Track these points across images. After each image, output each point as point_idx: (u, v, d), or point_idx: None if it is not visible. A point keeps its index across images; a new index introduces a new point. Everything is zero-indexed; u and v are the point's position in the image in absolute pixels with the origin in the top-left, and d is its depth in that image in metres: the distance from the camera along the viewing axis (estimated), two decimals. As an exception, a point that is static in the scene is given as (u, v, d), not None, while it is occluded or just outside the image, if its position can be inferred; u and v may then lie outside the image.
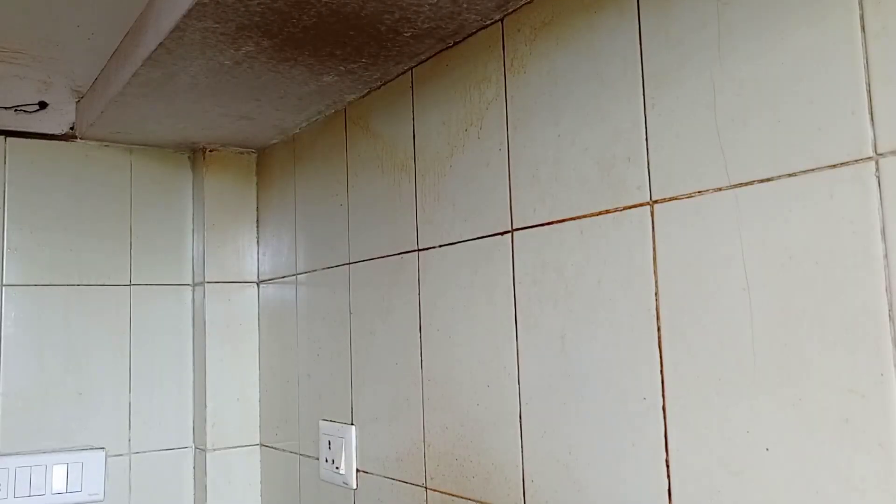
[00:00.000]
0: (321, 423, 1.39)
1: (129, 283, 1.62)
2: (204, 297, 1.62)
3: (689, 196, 0.75)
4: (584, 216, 0.87)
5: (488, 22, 1.02)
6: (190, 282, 1.68)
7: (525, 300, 0.95)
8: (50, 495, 1.48)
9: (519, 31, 0.97)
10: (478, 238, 1.03)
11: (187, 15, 0.96)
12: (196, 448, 1.64)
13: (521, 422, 0.95)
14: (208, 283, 1.62)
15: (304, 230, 1.49)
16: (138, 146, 1.65)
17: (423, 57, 1.14)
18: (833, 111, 0.64)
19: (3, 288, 1.49)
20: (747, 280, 0.69)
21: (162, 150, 1.68)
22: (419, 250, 1.14)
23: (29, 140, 1.54)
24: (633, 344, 0.80)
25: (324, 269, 1.40)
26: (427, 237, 1.13)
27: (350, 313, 1.32)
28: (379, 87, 1.26)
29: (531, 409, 0.93)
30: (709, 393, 0.73)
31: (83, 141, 1.58)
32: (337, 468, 1.32)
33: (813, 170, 0.65)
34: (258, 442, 1.64)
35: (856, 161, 0.62)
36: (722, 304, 0.72)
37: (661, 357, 0.77)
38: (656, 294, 0.78)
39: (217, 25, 0.99)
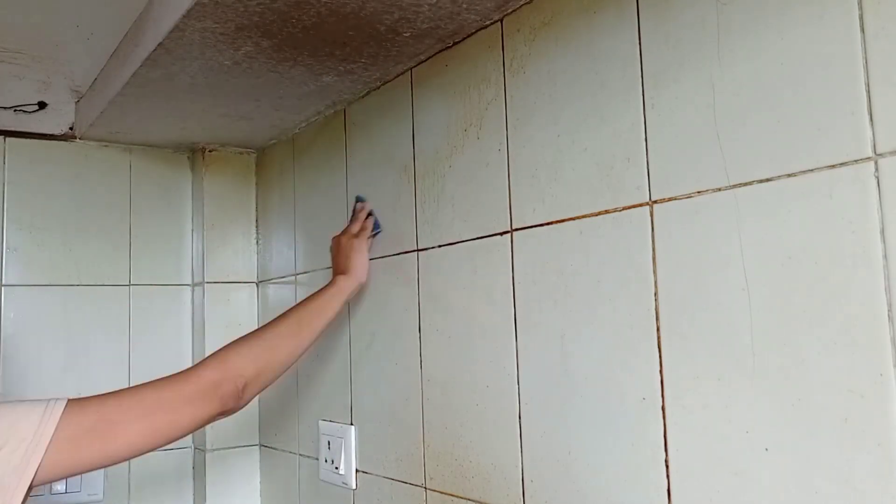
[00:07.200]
0: (321, 423, 1.39)
1: (128, 283, 1.62)
2: (203, 297, 1.62)
3: (689, 196, 0.75)
4: (584, 216, 0.87)
5: (488, 22, 1.02)
6: (189, 282, 1.68)
7: (525, 300, 0.95)
8: (49, 495, 1.48)
9: (518, 31, 0.97)
10: (477, 238, 1.03)
11: (187, 15, 0.96)
12: (196, 448, 1.64)
13: (520, 422, 0.95)
14: (207, 283, 1.62)
15: (304, 230, 1.49)
16: (138, 146, 1.65)
17: (422, 57, 1.14)
18: (832, 111, 0.64)
19: (3, 288, 1.49)
20: (746, 280, 0.69)
21: (161, 150, 1.68)
22: (419, 250, 1.14)
23: (28, 140, 1.54)
24: (633, 344, 0.80)
25: (323, 269, 1.40)
26: (426, 237, 1.13)
27: (350, 313, 1.32)
28: (378, 88, 1.26)
29: (530, 409, 0.93)
30: (708, 393, 0.73)
31: (82, 141, 1.58)
32: (336, 468, 1.32)
33: (812, 170, 0.65)
34: (258, 442, 1.64)
35: (855, 161, 0.62)
36: (721, 304, 0.72)
37: (660, 357, 0.77)
38: (655, 294, 0.78)
39: (216, 25, 0.99)
